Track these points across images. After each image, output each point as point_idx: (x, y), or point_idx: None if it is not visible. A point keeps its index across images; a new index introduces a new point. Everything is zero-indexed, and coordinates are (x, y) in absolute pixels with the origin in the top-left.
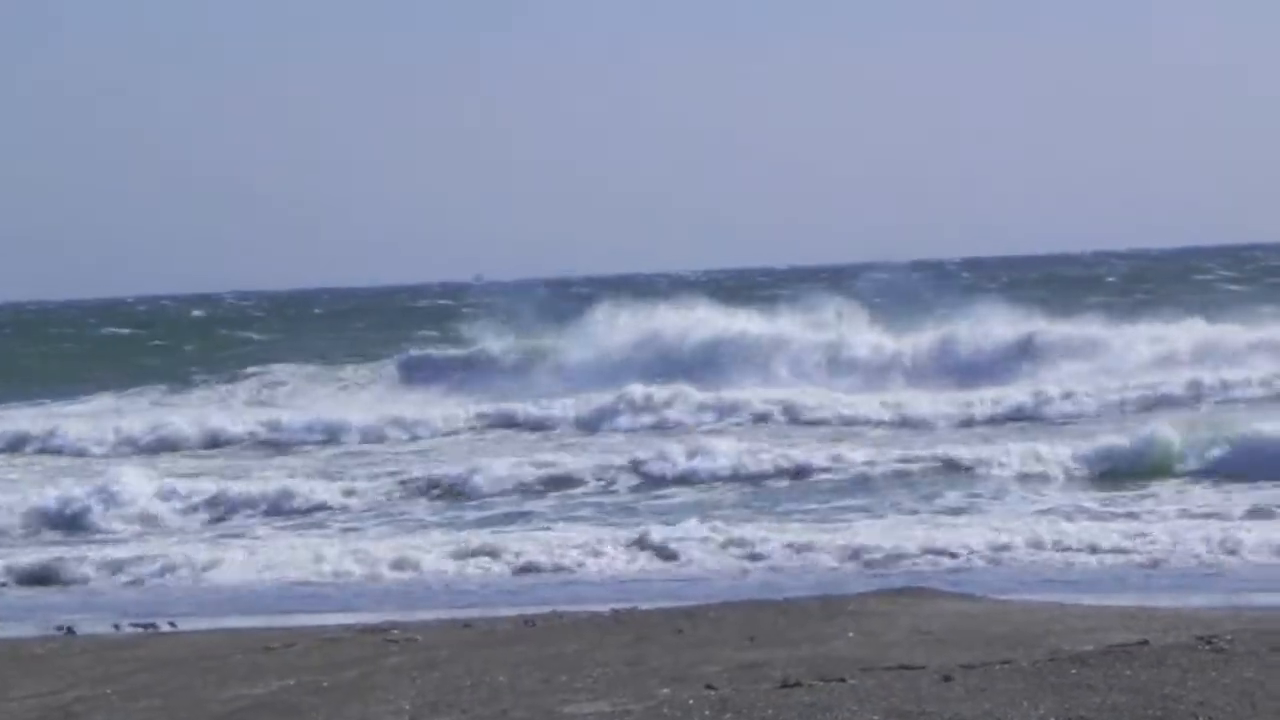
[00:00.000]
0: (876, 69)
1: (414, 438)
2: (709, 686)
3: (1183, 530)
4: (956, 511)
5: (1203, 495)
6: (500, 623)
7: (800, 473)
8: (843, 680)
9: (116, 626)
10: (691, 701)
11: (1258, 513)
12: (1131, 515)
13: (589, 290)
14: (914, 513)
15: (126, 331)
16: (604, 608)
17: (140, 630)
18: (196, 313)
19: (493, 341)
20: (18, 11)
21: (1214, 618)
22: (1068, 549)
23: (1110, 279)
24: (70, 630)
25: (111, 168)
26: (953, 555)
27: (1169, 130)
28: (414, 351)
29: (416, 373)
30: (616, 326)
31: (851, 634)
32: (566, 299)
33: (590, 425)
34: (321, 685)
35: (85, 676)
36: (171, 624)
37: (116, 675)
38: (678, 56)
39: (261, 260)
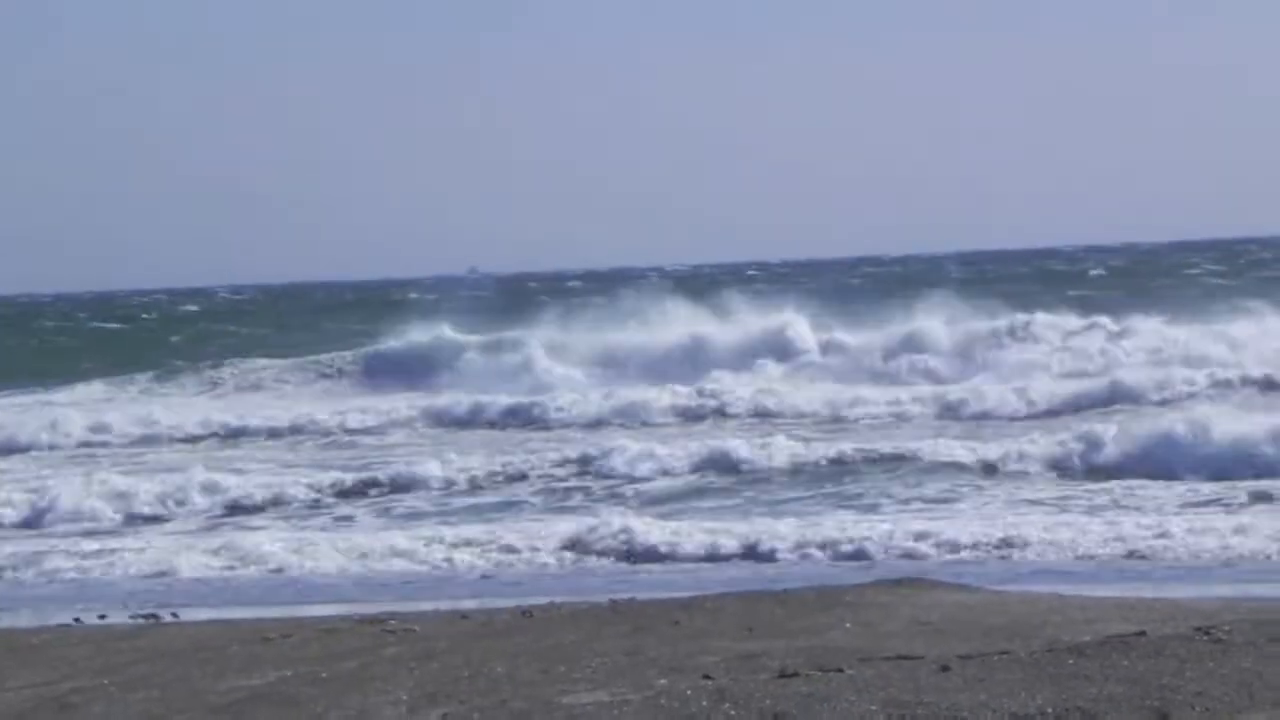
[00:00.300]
0: (876, 69)
1: (371, 431)
2: (706, 676)
3: (1176, 522)
4: (941, 503)
5: (1194, 488)
6: (498, 613)
7: (772, 468)
8: (840, 670)
9: (132, 617)
10: (689, 692)
11: (1259, 499)
12: (1123, 507)
13: (579, 285)
14: (905, 503)
15: (114, 325)
16: (601, 598)
17: (141, 621)
18: (188, 307)
19: (458, 335)
20: (18, 11)
21: (1211, 609)
22: (1061, 541)
23: (1094, 273)
24: (96, 618)
25: (111, 167)
26: (946, 547)
27: (1166, 129)
28: (378, 346)
29: (380, 367)
30: (585, 321)
31: (849, 624)
32: (552, 293)
33: (552, 419)
34: (320, 676)
35: (82, 667)
36: (174, 614)
37: (114, 666)
38: (678, 56)
39: (261, 259)
